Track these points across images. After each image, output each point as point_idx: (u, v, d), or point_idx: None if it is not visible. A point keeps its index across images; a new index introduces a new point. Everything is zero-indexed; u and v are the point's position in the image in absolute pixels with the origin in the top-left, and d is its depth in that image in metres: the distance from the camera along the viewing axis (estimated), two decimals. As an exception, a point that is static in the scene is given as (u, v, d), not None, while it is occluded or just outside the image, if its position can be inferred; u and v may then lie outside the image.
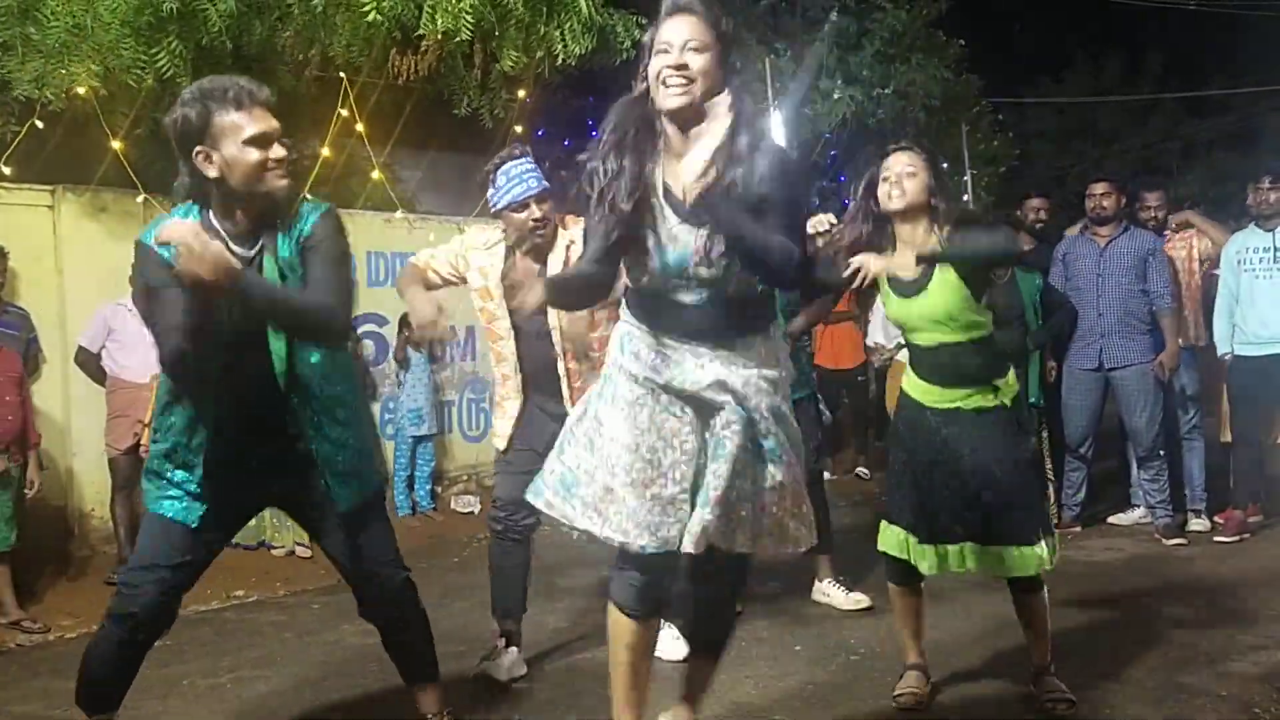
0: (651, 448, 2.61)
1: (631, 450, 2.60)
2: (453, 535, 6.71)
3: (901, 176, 3.36)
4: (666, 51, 2.54)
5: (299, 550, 5.92)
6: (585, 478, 2.65)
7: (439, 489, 7.29)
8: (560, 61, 5.98)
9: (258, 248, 2.73)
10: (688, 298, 2.64)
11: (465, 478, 7.56)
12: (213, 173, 2.64)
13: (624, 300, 2.78)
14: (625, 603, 2.71)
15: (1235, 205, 7.43)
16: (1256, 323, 5.80)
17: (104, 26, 5.07)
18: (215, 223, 2.71)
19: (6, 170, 5.54)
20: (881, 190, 3.39)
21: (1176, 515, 5.99)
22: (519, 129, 7.18)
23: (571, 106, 10.55)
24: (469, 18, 5.46)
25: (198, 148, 2.62)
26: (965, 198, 14.04)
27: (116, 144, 5.62)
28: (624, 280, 2.73)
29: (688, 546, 2.57)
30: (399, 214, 7.26)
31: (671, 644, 4.05)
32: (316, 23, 5.68)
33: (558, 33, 5.84)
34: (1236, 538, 5.78)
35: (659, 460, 2.61)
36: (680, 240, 2.60)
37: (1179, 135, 20.41)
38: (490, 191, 3.81)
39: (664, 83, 2.54)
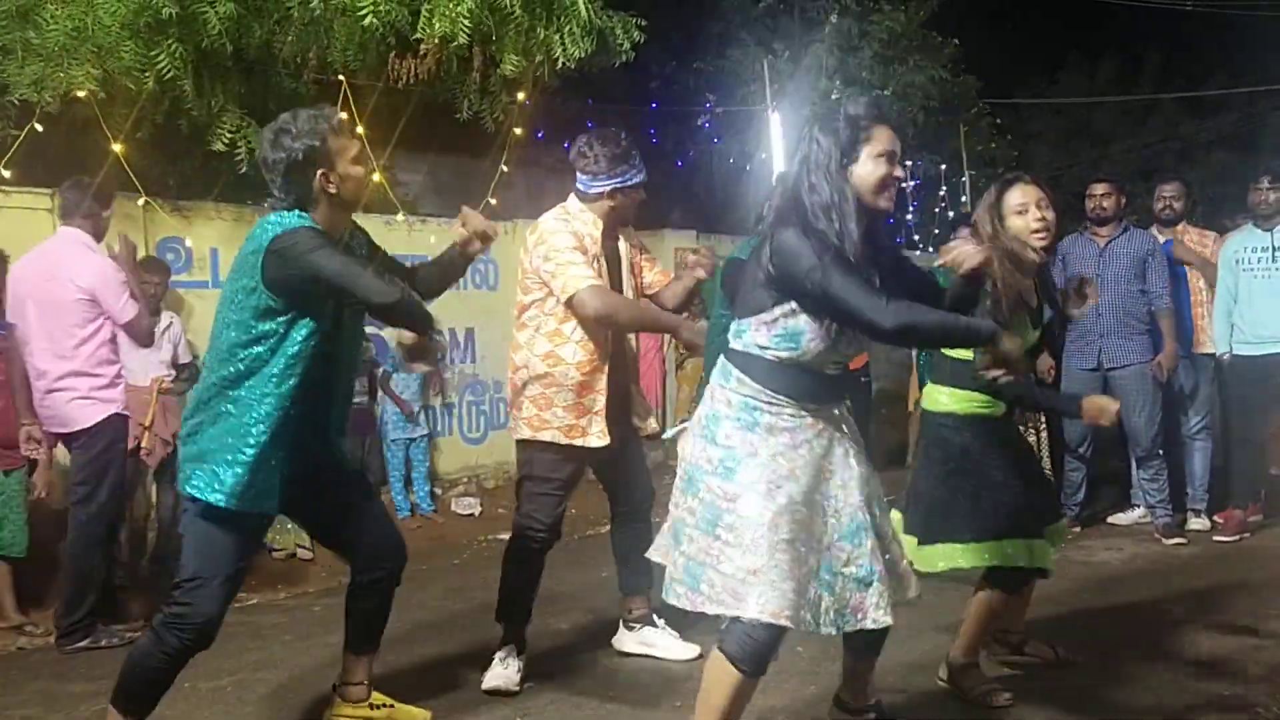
0: (793, 526, 2.67)
1: (774, 529, 2.64)
2: (453, 537, 6.71)
3: (1049, 219, 3.41)
4: (888, 160, 2.72)
5: (300, 553, 5.92)
6: (713, 562, 2.67)
7: (439, 491, 7.29)
8: (560, 64, 5.98)
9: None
10: (832, 370, 2.82)
11: (465, 479, 7.56)
12: (333, 189, 3.04)
13: (743, 369, 2.75)
14: (743, 661, 2.69)
15: (1234, 205, 7.43)
16: (1255, 322, 5.81)
17: (103, 29, 5.07)
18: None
19: (6, 173, 5.53)
20: (1020, 222, 3.41)
21: (1176, 515, 5.99)
22: (518, 132, 7.18)
23: (571, 109, 10.56)
24: (466, 22, 5.46)
25: (319, 170, 3.01)
26: (963, 199, 14.06)
27: (117, 147, 5.62)
28: (750, 345, 2.75)
29: (884, 620, 2.77)
30: (400, 216, 7.26)
31: (678, 645, 4.07)
32: (315, 26, 5.69)
33: (557, 36, 5.84)
34: (1236, 537, 5.79)
35: (799, 539, 2.68)
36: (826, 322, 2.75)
37: (1177, 135, 20.43)
38: (624, 169, 3.83)
39: (885, 189, 2.73)
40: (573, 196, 3.93)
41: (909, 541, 3.54)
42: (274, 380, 2.95)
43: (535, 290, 3.81)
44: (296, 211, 3.01)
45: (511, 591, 3.90)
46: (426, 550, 6.34)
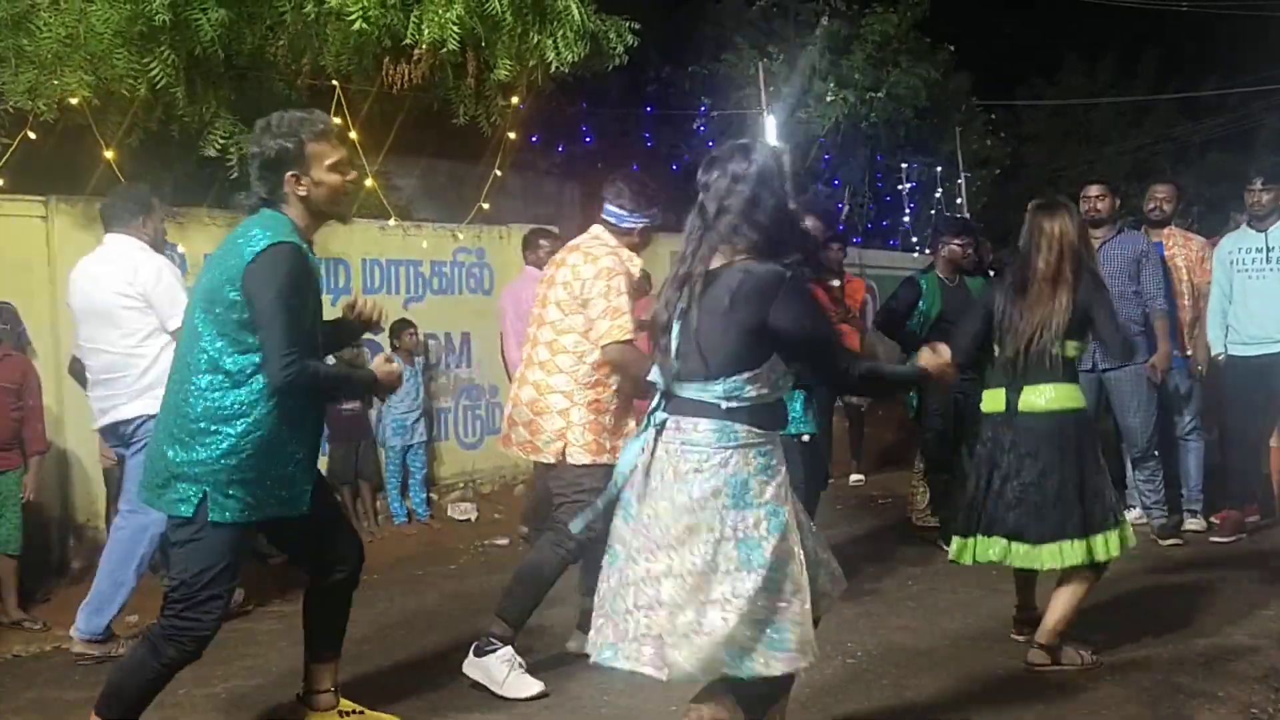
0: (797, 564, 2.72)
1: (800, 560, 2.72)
2: (449, 543, 6.70)
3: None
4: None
5: (295, 559, 5.91)
6: (790, 617, 2.65)
7: (435, 496, 7.28)
8: (553, 69, 5.98)
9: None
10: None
11: (461, 485, 7.55)
12: (302, 193, 3.05)
13: (744, 422, 2.66)
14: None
15: (1230, 206, 7.44)
16: (1250, 322, 5.81)
17: (96, 37, 5.07)
18: (298, 233, 3.06)
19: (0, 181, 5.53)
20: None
21: (1172, 516, 5.99)
22: (512, 136, 7.18)
23: (565, 113, 10.56)
24: (455, 28, 5.45)
25: (291, 172, 3.02)
26: (959, 200, 14.07)
27: (110, 154, 5.61)
28: (745, 399, 2.66)
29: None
30: (393, 222, 7.25)
31: None
32: (308, 32, 5.68)
33: (550, 40, 5.83)
34: (1233, 538, 5.79)
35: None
36: None
37: (1173, 137, 20.46)
38: (657, 209, 4.05)
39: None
40: (604, 230, 4.01)
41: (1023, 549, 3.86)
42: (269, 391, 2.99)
43: (577, 314, 3.86)
44: (274, 213, 3.02)
45: (538, 600, 3.88)
46: (423, 556, 6.33)
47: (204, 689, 3.98)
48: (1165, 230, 6.33)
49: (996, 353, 4.02)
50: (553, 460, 3.89)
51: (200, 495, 2.95)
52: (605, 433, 3.86)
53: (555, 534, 3.86)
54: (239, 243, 2.98)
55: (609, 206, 4.01)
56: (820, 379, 2.70)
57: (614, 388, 3.87)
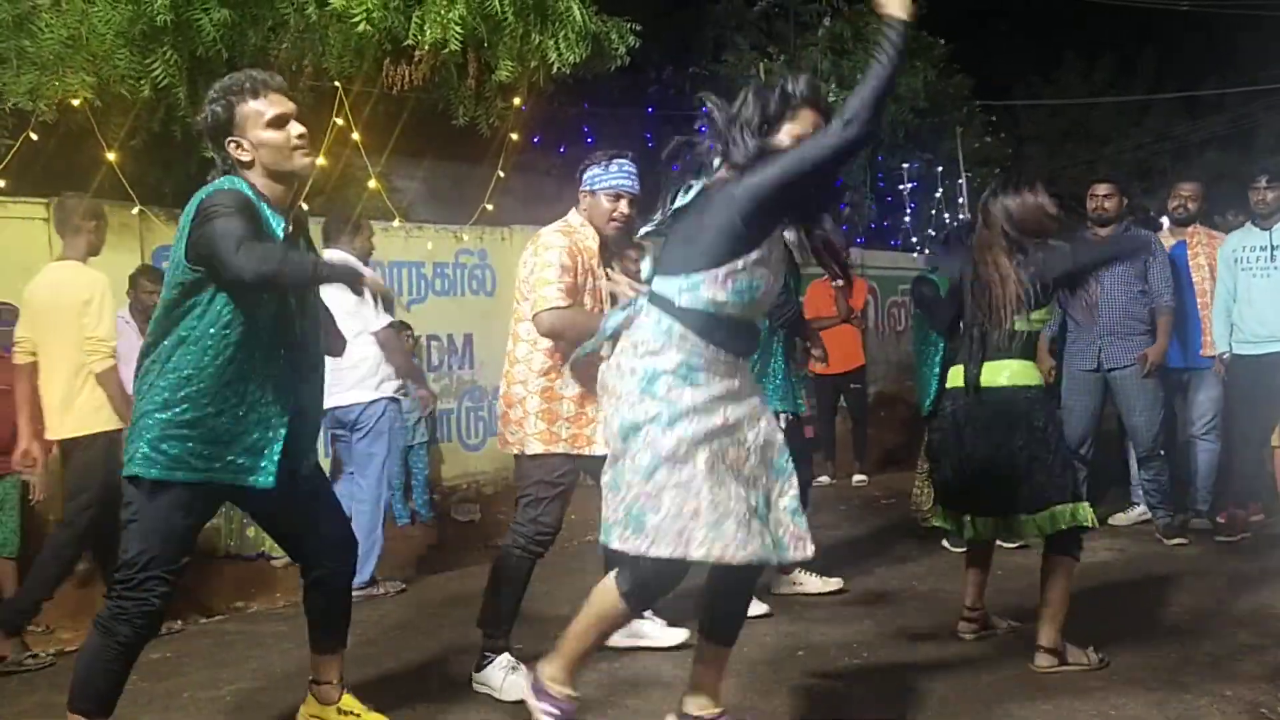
0: (728, 467, 2.83)
1: (711, 472, 2.77)
2: (452, 544, 6.69)
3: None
4: (798, 142, 2.84)
5: (298, 560, 5.90)
6: (653, 506, 2.76)
7: (437, 498, 7.27)
8: (555, 70, 5.97)
9: (290, 219, 3.04)
10: (759, 321, 3.00)
11: (464, 486, 7.54)
12: (246, 158, 2.95)
13: (688, 325, 2.81)
14: (631, 596, 2.90)
15: (1229, 206, 7.42)
16: (1254, 321, 5.80)
17: (98, 37, 5.07)
18: (259, 196, 2.96)
19: (1, 183, 5.53)
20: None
21: (1177, 515, 5.98)
22: (514, 137, 7.17)
23: (567, 114, 10.55)
24: (458, 29, 5.45)
25: (229, 138, 2.93)
26: (960, 200, 14.06)
27: (112, 155, 5.61)
28: (699, 300, 2.80)
29: (810, 551, 2.94)
30: (396, 223, 7.25)
31: (666, 632, 4.09)
32: (310, 33, 5.68)
33: (552, 41, 5.83)
34: (1238, 537, 5.77)
35: (738, 478, 2.85)
36: (775, 268, 2.91)
37: (1172, 136, 20.47)
38: (594, 171, 3.89)
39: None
40: (574, 211, 3.96)
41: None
42: (208, 352, 2.88)
43: (525, 300, 3.83)
44: (230, 178, 2.94)
45: (515, 600, 3.88)
46: (426, 557, 6.32)
47: (208, 691, 3.97)
48: (1190, 229, 6.31)
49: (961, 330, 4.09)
50: (515, 450, 3.86)
51: (137, 452, 2.88)
52: (561, 421, 3.79)
53: (512, 532, 3.85)
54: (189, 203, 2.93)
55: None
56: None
57: (567, 374, 3.77)
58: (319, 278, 2.88)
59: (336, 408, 5.19)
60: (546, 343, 3.78)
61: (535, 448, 3.79)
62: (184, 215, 2.92)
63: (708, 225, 2.80)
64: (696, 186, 2.88)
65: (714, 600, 3.07)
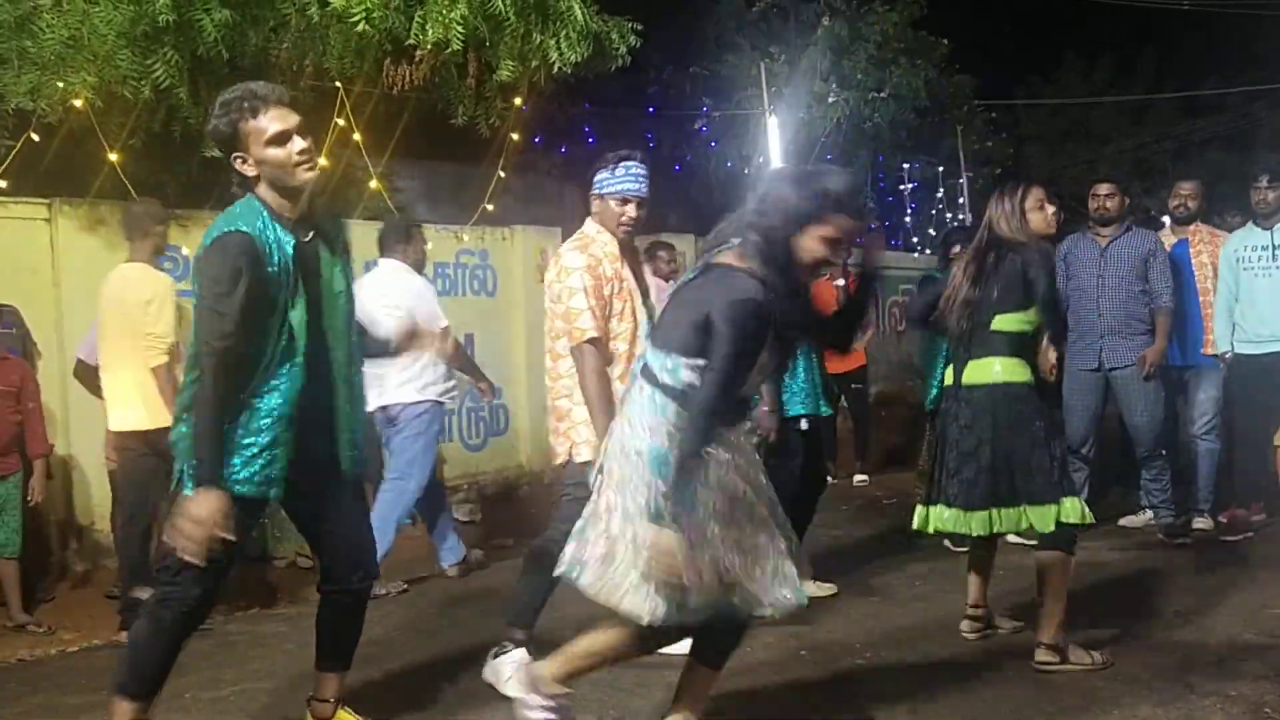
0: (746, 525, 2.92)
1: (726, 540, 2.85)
2: (454, 544, 6.68)
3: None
4: (829, 246, 2.90)
5: (300, 561, 5.89)
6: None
7: (439, 498, 7.26)
8: (556, 70, 5.97)
9: (310, 234, 3.06)
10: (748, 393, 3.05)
11: (465, 486, 7.53)
12: (251, 173, 2.98)
13: (671, 398, 2.86)
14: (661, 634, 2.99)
15: (1230, 205, 7.42)
16: (1256, 321, 5.80)
17: (100, 38, 5.06)
18: (271, 214, 2.99)
19: (3, 183, 5.52)
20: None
21: (1180, 515, 5.97)
22: (515, 137, 7.17)
23: (568, 114, 10.55)
24: (460, 28, 5.44)
25: (235, 154, 2.96)
26: (961, 200, 14.07)
27: (113, 156, 5.60)
28: (679, 381, 2.85)
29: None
30: (396, 223, 7.23)
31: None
32: (311, 33, 5.67)
33: (553, 41, 5.82)
34: (1240, 537, 5.77)
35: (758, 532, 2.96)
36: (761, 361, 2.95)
37: (1173, 135, 20.47)
38: (603, 175, 3.93)
39: (815, 268, 2.97)
40: (590, 219, 3.98)
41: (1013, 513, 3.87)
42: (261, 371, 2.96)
43: (559, 317, 3.87)
44: (248, 198, 2.99)
45: (544, 596, 3.87)
46: (425, 557, 6.31)
47: (210, 692, 3.97)
48: (1191, 227, 6.30)
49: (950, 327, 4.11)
50: (563, 459, 3.88)
51: (180, 470, 2.96)
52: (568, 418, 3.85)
53: (553, 528, 3.83)
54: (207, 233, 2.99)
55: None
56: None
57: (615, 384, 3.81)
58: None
59: (382, 406, 5.26)
60: None
61: (585, 455, 3.81)
62: (204, 236, 2.99)
63: (688, 316, 2.85)
64: (712, 257, 2.95)
65: (710, 630, 3.06)
